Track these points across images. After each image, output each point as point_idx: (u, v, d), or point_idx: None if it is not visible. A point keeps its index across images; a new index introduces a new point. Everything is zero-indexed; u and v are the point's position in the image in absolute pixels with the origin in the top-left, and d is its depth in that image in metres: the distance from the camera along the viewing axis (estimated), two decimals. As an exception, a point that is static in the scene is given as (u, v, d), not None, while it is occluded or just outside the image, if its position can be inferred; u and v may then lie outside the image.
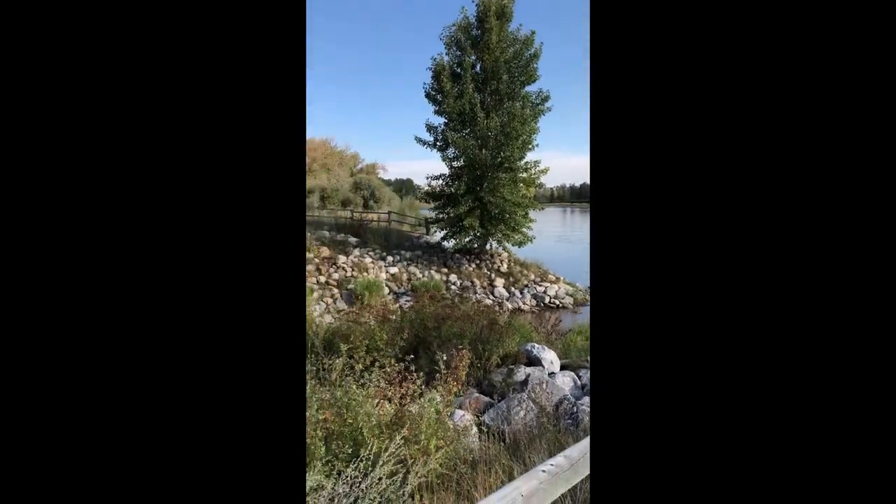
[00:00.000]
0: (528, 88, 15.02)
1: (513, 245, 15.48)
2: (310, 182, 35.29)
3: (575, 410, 4.22)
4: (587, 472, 1.39)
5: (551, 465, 1.25)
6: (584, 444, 1.43)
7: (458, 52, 14.94)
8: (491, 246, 16.03)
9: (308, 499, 2.02)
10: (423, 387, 3.27)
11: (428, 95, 15.52)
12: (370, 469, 2.18)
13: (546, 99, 15.03)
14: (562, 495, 1.55)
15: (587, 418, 4.01)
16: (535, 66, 14.78)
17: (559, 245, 28.18)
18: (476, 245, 15.83)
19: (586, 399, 4.57)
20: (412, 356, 4.20)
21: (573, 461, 1.31)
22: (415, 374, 3.30)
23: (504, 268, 15.23)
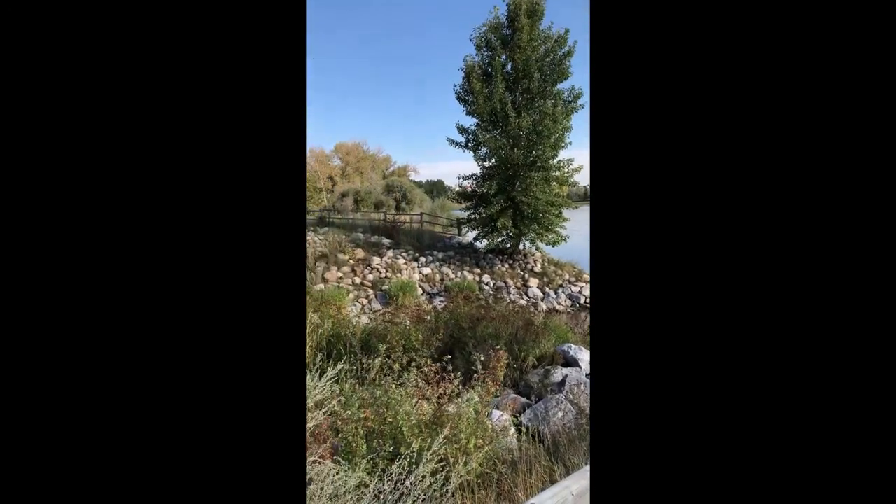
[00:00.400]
0: (560, 86, 14.83)
1: (546, 245, 15.28)
2: (343, 185, 35.90)
3: (615, 412, 4.15)
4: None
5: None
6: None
7: (489, 53, 14.91)
8: (524, 246, 15.89)
9: (352, 495, 2.06)
10: (460, 387, 3.29)
11: (459, 97, 15.55)
12: (413, 467, 2.21)
13: (578, 96, 14.78)
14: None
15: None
16: (567, 63, 14.57)
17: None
18: (509, 245, 15.73)
19: (626, 401, 4.48)
20: (449, 356, 4.22)
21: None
22: (451, 374, 3.32)
23: (538, 268, 15.07)
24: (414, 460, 2.23)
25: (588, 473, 1.19)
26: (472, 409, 2.90)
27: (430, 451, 2.25)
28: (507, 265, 15.20)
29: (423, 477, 2.17)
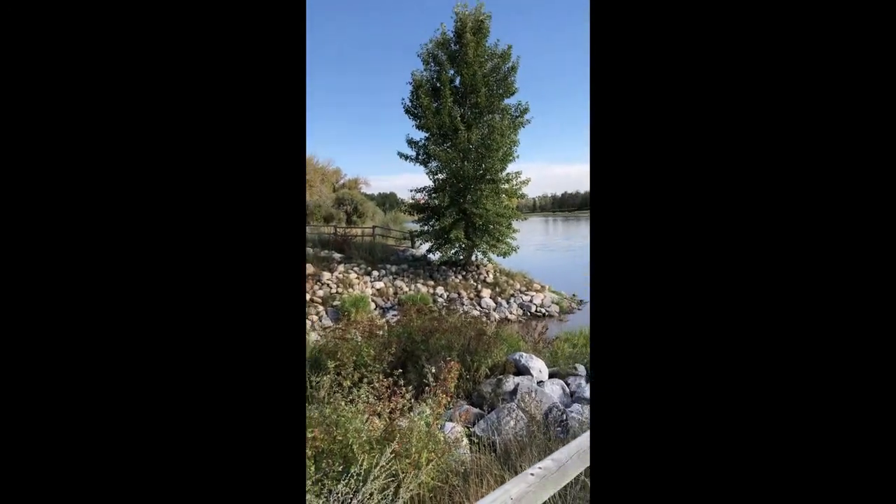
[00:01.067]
0: (507, 101, 15.27)
1: (497, 255, 15.57)
2: (292, 199, 34.83)
3: (564, 418, 4.24)
4: (575, 473, 1.41)
5: (539, 468, 1.27)
6: (572, 446, 1.45)
7: (437, 68, 15.16)
8: (476, 257, 16.09)
9: (299, 518, 1.99)
10: (412, 400, 3.26)
11: (408, 111, 15.67)
12: (361, 485, 2.17)
13: (525, 111, 15.29)
14: (551, 497, 1.57)
15: (577, 425, 4.03)
16: (512, 79, 15.05)
17: (543, 254, 28.41)
18: (462, 257, 15.88)
19: (575, 406, 4.60)
20: (401, 370, 4.18)
21: (561, 463, 1.33)
22: (404, 389, 3.29)
23: (490, 278, 15.28)
24: (362, 478, 2.19)
25: (528, 477, 1.23)
26: (423, 423, 2.89)
27: (379, 467, 2.21)
28: (460, 276, 15.31)
29: (371, 494, 2.14)
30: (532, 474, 1.23)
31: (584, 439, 1.55)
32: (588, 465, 1.51)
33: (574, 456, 1.42)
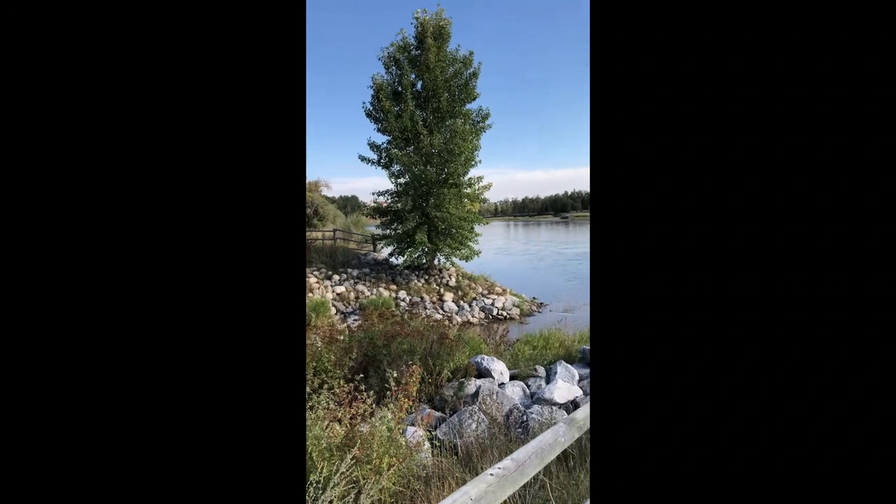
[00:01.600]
0: (468, 106, 15.43)
1: (460, 259, 15.66)
2: (249, 202, 33.79)
3: (524, 419, 4.32)
4: (534, 472, 1.44)
5: (499, 468, 1.29)
6: (530, 446, 1.49)
7: (398, 72, 15.14)
8: (439, 261, 16.13)
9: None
10: (374, 406, 3.23)
11: (369, 114, 15.56)
12: (320, 493, 2.13)
13: (486, 117, 15.49)
14: (511, 497, 1.60)
15: (536, 426, 4.11)
16: (474, 84, 15.22)
17: (504, 257, 28.83)
18: (424, 260, 15.88)
19: (535, 407, 4.69)
20: (362, 375, 4.14)
21: (520, 463, 1.36)
22: (365, 394, 3.25)
23: (452, 282, 15.35)
24: (321, 486, 2.15)
25: (488, 477, 1.24)
26: (385, 428, 2.87)
27: (339, 474, 2.18)
28: (423, 280, 15.30)
29: (331, 502, 2.10)
30: (491, 474, 1.25)
31: (542, 439, 1.59)
32: (546, 463, 1.55)
33: (532, 455, 1.45)
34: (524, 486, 2.13)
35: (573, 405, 4.90)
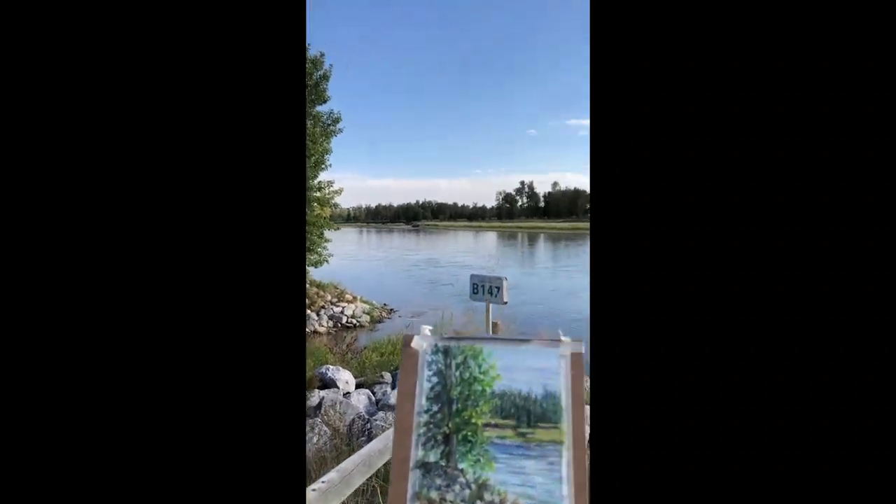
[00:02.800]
0: (319, 108, 14.94)
1: (308, 266, 15.01)
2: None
3: (369, 427, 4.32)
4: (360, 481, 1.45)
5: (322, 482, 1.27)
6: (357, 456, 1.50)
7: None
8: (284, 268, 15.24)
9: None
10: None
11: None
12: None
13: (337, 120, 15.18)
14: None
15: (380, 433, 4.15)
16: (324, 86, 14.82)
17: (355, 263, 28.54)
18: (267, 267, 14.85)
19: (380, 414, 4.73)
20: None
21: (345, 473, 1.36)
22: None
23: (299, 290, 14.64)
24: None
25: (309, 493, 1.22)
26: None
27: None
28: (265, 289, 14.28)
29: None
30: (313, 490, 1.22)
31: (371, 447, 1.61)
32: (374, 470, 1.57)
33: (360, 464, 1.46)
34: (355, 493, 2.12)
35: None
